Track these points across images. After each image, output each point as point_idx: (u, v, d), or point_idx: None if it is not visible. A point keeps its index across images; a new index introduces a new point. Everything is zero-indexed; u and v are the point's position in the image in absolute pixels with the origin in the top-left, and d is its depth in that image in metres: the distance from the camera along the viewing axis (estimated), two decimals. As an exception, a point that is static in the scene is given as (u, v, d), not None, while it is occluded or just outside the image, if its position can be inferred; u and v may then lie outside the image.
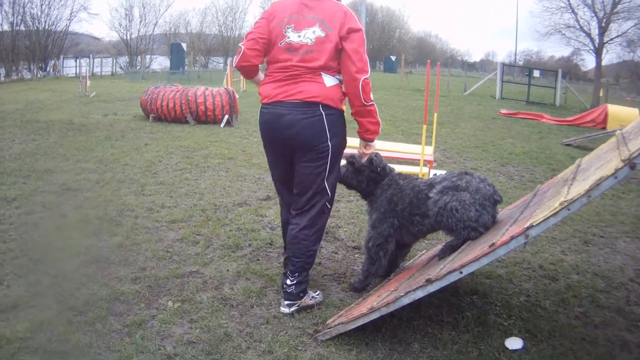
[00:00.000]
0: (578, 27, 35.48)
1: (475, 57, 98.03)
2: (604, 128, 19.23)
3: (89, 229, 6.41)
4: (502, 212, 5.23)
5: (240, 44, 4.46)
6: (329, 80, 4.32)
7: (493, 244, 3.60)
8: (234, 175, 9.23)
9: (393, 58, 72.55)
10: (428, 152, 9.79)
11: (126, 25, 63.46)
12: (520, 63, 72.23)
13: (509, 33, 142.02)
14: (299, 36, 4.30)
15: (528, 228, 3.52)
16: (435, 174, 7.99)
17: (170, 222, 6.71)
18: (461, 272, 3.69)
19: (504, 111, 23.13)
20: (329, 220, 6.88)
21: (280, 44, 4.33)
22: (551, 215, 3.49)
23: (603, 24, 33.63)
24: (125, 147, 11.41)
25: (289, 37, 4.31)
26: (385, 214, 4.79)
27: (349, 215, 7.17)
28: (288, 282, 4.46)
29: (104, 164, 9.80)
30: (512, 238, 3.56)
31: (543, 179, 9.86)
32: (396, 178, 4.93)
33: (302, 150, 4.36)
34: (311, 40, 4.27)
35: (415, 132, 14.98)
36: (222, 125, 14.99)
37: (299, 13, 4.34)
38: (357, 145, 4.85)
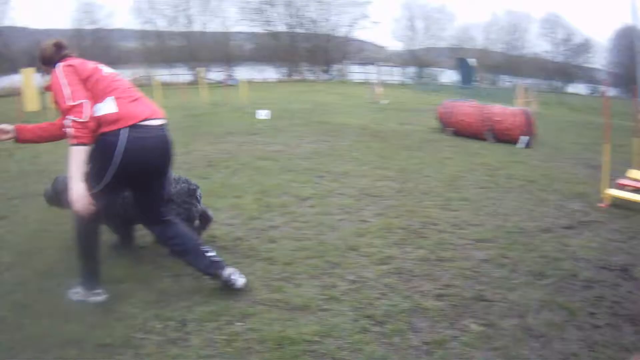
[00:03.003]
0: None
1: None
2: None
3: (391, 238, 6.43)
4: None
5: (72, 118, 4.21)
6: None
7: None
8: (536, 199, 8.84)
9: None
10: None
11: (410, 36, 64.33)
12: None
13: None
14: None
15: None
16: None
17: (476, 240, 6.56)
18: None
19: None
20: (626, 258, 6.44)
21: (105, 74, 4.56)
22: None
23: None
24: (425, 158, 11.47)
25: (104, 69, 4.62)
26: None
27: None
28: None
29: (404, 174, 9.90)
30: None
31: None
32: None
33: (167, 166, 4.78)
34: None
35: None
36: (520, 145, 14.59)
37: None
38: None
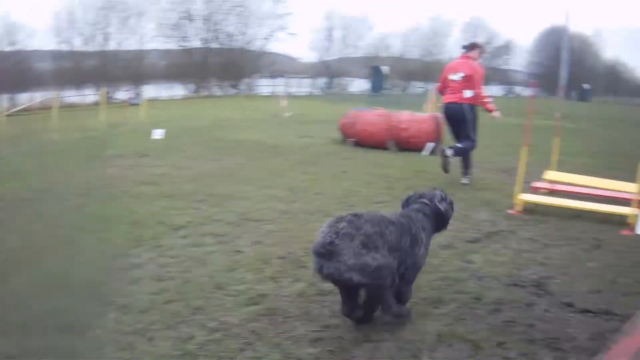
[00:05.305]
0: None
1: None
2: None
3: (266, 271, 5.59)
4: None
5: None
6: None
7: None
8: None
9: (587, 87, 69.18)
10: (635, 190, 8.34)
11: (326, 47, 64.57)
12: None
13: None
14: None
15: None
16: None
17: None
18: None
19: None
20: (540, 270, 5.89)
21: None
22: None
23: None
24: (319, 174, 10.82)
25: None
26: None
27: (561, 263, 6.09)
28: None
29: (293, 192, 9.14)
30: None
31: None
32: None
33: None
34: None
35: (619, 167, 12.71)
36: (425, 153, 14.10)
37: None
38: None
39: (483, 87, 10.07)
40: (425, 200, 4.80)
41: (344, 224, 4.08)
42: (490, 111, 10.10)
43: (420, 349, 4.09)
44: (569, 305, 5.01)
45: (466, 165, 10.39)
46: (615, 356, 3.58)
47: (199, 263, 5.78)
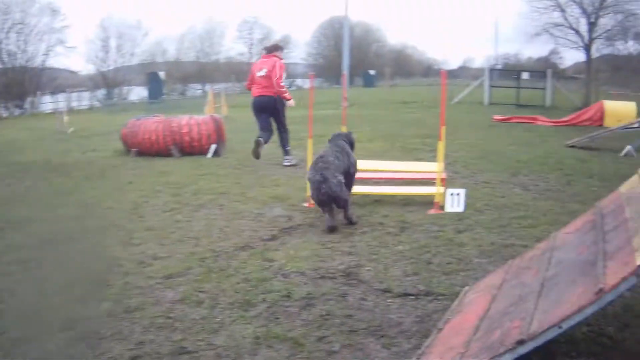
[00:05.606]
0: (567, 25, 36.57)
1: (453, 64, 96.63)
2: (600, 125, 18.71)
3: (74, 294, 5.40)
4: (563, 236, 4.45)
5: None
6: None
7: (601, 290, 2.92)
8: (230, 213, 8.16)
9: (372, 72, 72.13)
10: (437, 169, 8.73)
11: (103, 57, 62.95)
12: (499, 67, 72.08)
13: (485, 38, 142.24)
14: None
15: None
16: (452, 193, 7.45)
17: (165, 277, 5.68)
18: (560, 327, 2.99)
19: (497, 117, 22.32)
20: (347, 259, 5.96)
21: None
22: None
23: (592, 20, 34.75)
24: (106, 188, 10.51)
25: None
26: None
27: (368, 250, 6.27)
28: None
29: (85, 209, 8.88)
30: (623, 279, 2.92)
31: (560, 187, 9.34)
32: None
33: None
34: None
35: (414, 148, 14.05)
36: (209, 155, 13.97)
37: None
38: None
39: (282, 80, 11.69)
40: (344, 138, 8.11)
41: (320, 164, 7.13)
42: (287, 100, 11.75)
43: (240, 354, 4.08)
44: (386, 291, 5.15)
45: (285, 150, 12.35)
46: (451, 335, 3.72)
47: (9, 293, 5.52)
